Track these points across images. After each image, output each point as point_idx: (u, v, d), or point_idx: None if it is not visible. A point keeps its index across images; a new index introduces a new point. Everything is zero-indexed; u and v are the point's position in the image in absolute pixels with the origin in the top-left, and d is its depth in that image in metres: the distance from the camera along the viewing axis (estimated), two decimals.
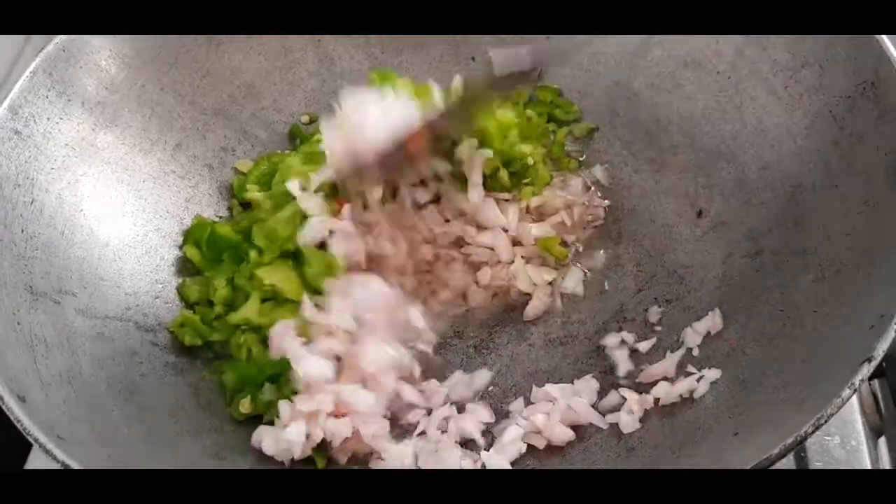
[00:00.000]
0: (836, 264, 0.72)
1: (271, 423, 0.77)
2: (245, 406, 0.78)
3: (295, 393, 0.76)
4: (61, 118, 0.83)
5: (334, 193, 0.85)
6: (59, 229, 0.80)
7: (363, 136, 0.80)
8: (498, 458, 0.74)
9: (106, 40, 0.87)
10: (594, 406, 0.78)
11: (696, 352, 0.79)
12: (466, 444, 0.77)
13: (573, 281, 0.88)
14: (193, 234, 0.89)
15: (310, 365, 0.75)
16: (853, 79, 0.76)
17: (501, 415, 0.80)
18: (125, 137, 0.88)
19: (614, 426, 0.76)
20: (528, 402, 0.80)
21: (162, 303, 0.86)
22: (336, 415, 0.75)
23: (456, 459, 0.74)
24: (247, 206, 0.93)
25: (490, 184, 0.90)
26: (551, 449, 0.76)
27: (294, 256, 0.83)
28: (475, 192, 0.87)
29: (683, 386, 0.75)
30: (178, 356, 0.82)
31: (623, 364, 0.81)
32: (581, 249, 0.92)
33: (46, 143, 0.81)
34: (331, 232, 0.82)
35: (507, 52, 0.77)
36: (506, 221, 0.89)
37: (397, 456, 0.74)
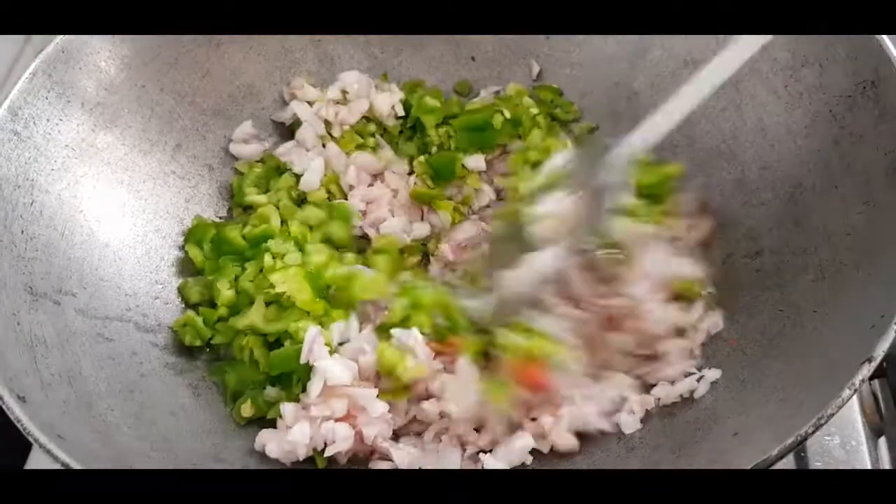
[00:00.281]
0: (836, 264, 0.72)
1: (273, 423, 0.77)
2: (246, 410, 0.78)
3: (298, 396, 0.76)
4: (61, 119, 0.83)
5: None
6: (59, 230, 0.80)
7: None
8: (499, 463, 0.74)
9: (105, 41, 0.87)
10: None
11: (696, 351, 0.79)
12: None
13: None
14: (195, 235, 0.89)
15: (335, 369, 0.75)
16: (853, 78, 0.76)
17: None
18: (125, 138, 0.88)
19: (614, 426, 0.76)
20: None
21: (162, 303, 0.86)
22: (339, 418, 0.75)
23: (456, 460, 0.74)
24: (248, 207, 0.93)
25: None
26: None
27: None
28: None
29: (684, 386, 0.75)
30: (178, 356, 0.82)
31: None
32: None
33: (46, 145, 0.81)
34: None
35: None
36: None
37: (398, 457, 0.74)
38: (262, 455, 0.75)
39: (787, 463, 0.80)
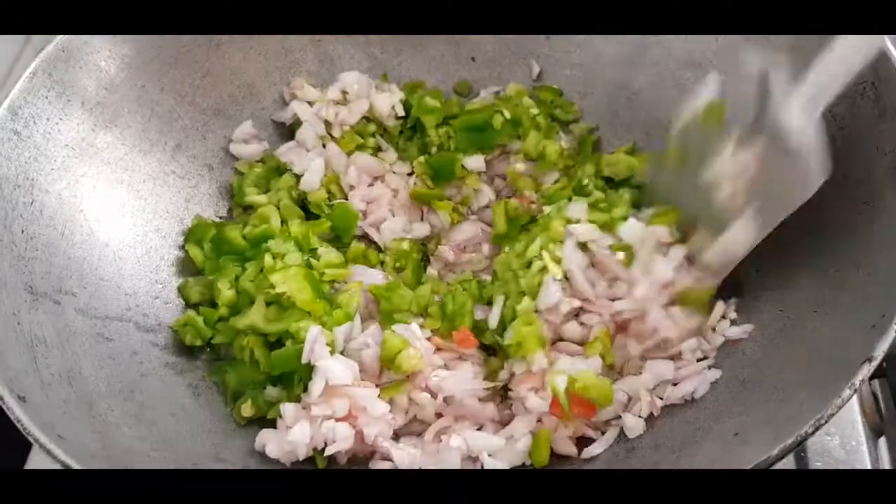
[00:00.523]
0: (837, 264, 0.72)
1: (273, 423, 0.77)
2: (246, 410, 0.78)
3: (299, 396, 0.76)
4: (61, 119, 0.83)
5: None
6: (59, 230, 0.80)
7: None
8: (499, 463, 0.74)
9: (105, 41, 0.87)
10: None
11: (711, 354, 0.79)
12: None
13: None
14: (195, 234, 0.89)
15: (336, 369, 0.75)
16: (853, 78, 0.76)
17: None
18: (125, 138, 0.88)
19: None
20: None
21: (162, 303, 0.86)
22: (340, 418, 0.75)
23: (456, 460, 0.74)
24: (248, 207, 0.93)
25: None
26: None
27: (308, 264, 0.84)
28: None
29: (687, 387, 0.75)
30: (178, 356, 0.82)
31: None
32: None
33: (46, 144, 0.81)
34: None
35: None
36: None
37: (398, 457, 0.74)
38: (263, 455, 0.75)
39: (787, 463, 0.80)
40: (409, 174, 0.96)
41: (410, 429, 0.78)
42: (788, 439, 0.58)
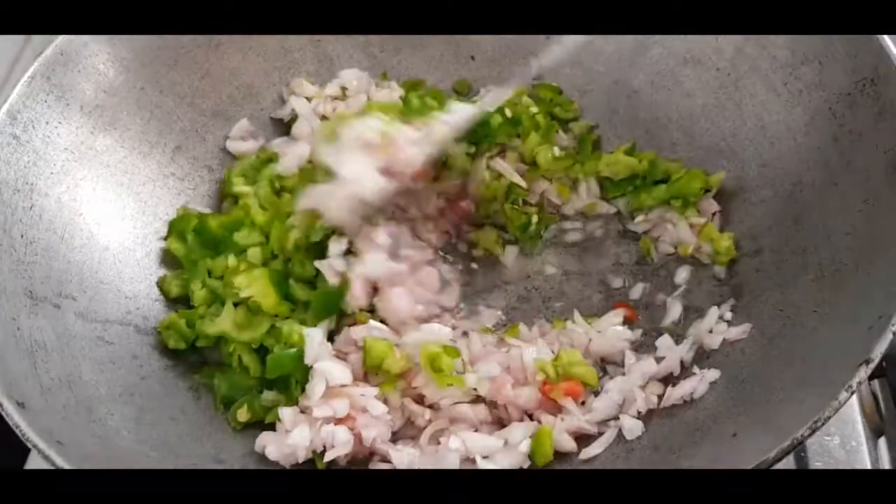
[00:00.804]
0: (836, 263, 0.72)
1: (272, 426, 0.77)
2: (242, 415, 0.77)
3: (297, 399, 0.76)
4: (60, 122, 0.83)
5: None
6: (59, 233, 0.80)
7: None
8: (499, 466, 0.73)
9: (104, 44, 0.87)
10: None
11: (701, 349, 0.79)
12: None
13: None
14: (178, 226, 0.88)
15: (335, 370, 0.75)
16: (853, 76, 0.76)
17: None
18: (124, 140, 0.88)
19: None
20: None
21: (162, 306, 0.86)
22: (340, 419, 0.75)
23: (455, 461, 0.74)
24: (237, 199, 0.92)
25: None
26: None
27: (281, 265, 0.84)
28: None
29: (686, 387, 0.75)
30: (178, 359, 0.82)
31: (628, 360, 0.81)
32: None
33: (45, 148, 0.81)
34: None
35: None
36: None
37: (397, 458, 0.74)
38: (262, 457, 0.75)
39: (788, 463, 0.80)
40: None
41: (406, 433, 0.78)
42: (785, 442, 0.58)
